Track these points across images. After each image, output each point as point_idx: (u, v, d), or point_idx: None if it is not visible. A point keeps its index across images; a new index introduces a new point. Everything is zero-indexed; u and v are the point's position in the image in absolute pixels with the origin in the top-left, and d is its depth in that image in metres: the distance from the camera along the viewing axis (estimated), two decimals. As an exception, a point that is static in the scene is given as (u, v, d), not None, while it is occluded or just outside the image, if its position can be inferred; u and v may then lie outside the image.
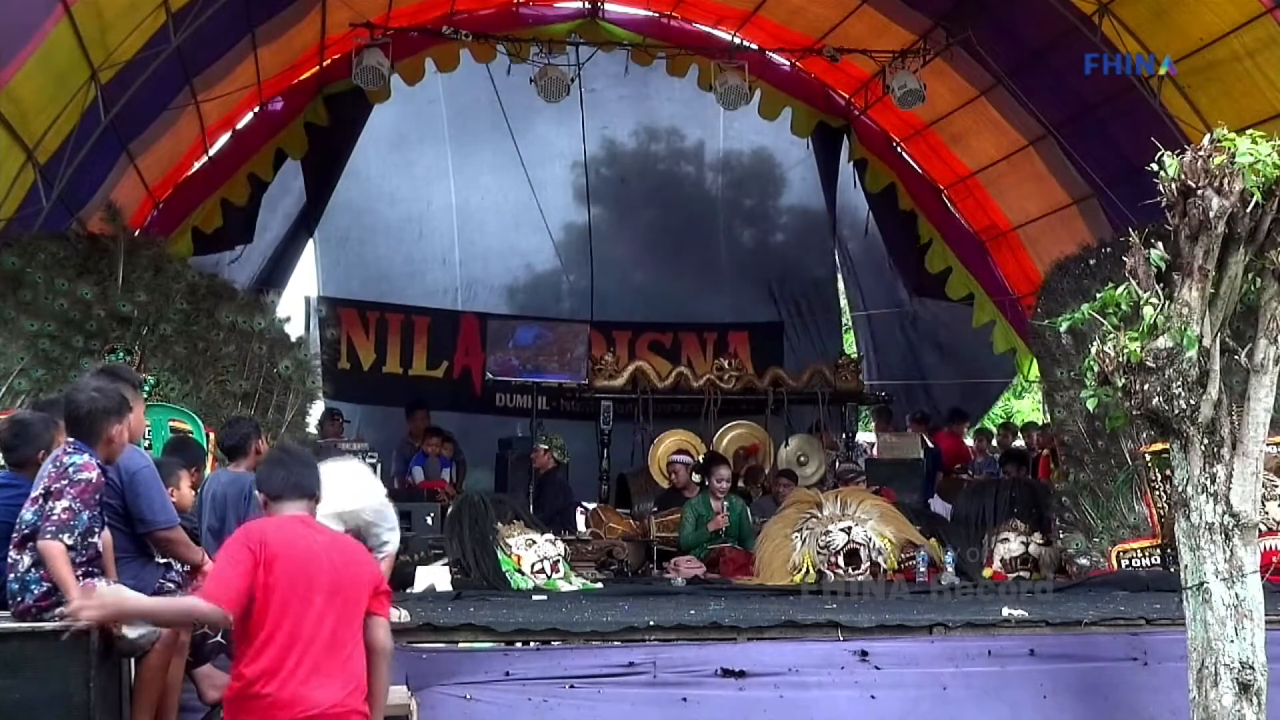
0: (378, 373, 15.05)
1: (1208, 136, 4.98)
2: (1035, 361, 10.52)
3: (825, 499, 8.95)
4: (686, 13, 13.91)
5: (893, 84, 12.56)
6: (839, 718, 5.66)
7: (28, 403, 7.85)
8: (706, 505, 9.44)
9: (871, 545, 8.32)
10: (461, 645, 5.97)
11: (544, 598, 7.54)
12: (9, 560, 4.83)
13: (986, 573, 8.48)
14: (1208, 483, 4.98)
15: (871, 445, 14.45)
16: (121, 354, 8.52)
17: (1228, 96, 10.00)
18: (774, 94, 14.07)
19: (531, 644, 5.98)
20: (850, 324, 18.60)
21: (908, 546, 8.61)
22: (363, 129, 13.71)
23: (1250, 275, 5.04)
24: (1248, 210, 4.85)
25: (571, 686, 5.60)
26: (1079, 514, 8.59)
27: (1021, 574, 8.45)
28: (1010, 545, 8.62)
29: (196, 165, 12.46)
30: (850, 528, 8.38)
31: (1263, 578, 5.12)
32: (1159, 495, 8.09)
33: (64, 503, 4.70)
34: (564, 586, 8.00)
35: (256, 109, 12.70)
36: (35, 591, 4.76)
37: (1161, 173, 4.95)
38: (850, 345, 17.38)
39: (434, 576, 7.88)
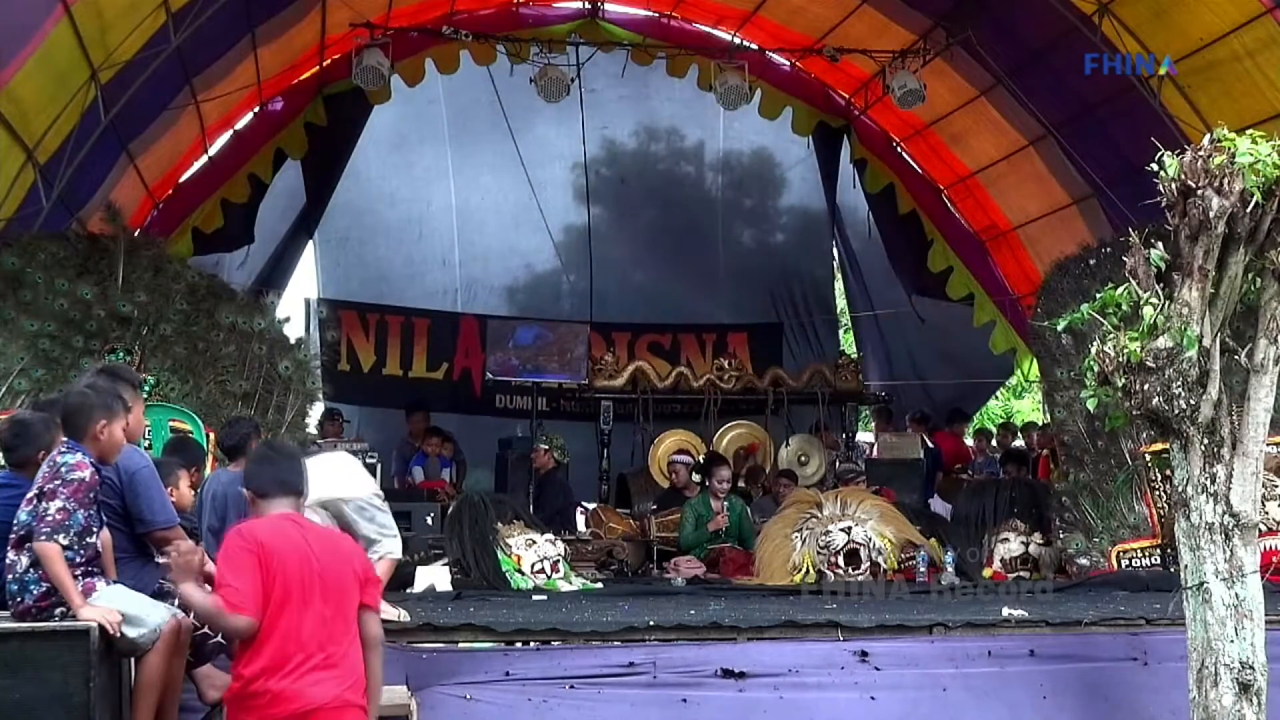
0: (378, 374, 15.05)
1: (1208, 136, 4.98)
2: (1035, 361, 10.52)
3: (825, 499, 8.96)
4: (686, 13, 13.91)
5: (893, 84, 12.55)
6: (839, 718, 5.66)
7: (28, 403, 7.85)
8: (706, 505, 9.44)
9: (871, 545, 8.32)
10: (461, 645, 5.97)
11: (544, 598, 7.54)
12: (7, 561, 4.84)
13: (986, 573, 8.48)
14: (1208, 483, 4.98)
15: (871, 445, 14.45)
16: (121, 354, 8.52)
17: (1228, 96, 9.99)
18: (774, 93, 14.06)
19: (531, 644, 5.98)
20: (850, 324, 18.61)
21: (908, 546, 8.61)
22: (363, 129, 13.70)
23: (1250, 275, 5.04)
24: (1248, 210, 4.85)
25: (571, 687, 5.60)
26: (1079, 514, 8.59)
27: (1021, 574, 8.46)
28: (1010, 545, 8.62)
29: (196, 165, 12.45)
30: (850, 528, 8.38)
31: (1263, 578, 5.12)
32: (1159, 495, 8.09)
33: (57, 503, 4.70)
34: (564, 586, 8.00)
35: (256, 109, 12.69)
36: (34, 592, 4.76)
37: (1161, 173, 4.95)
38: (850, 345, 17.38)
39: (434, 576, 7.88)
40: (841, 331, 19.15)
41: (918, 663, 5.82)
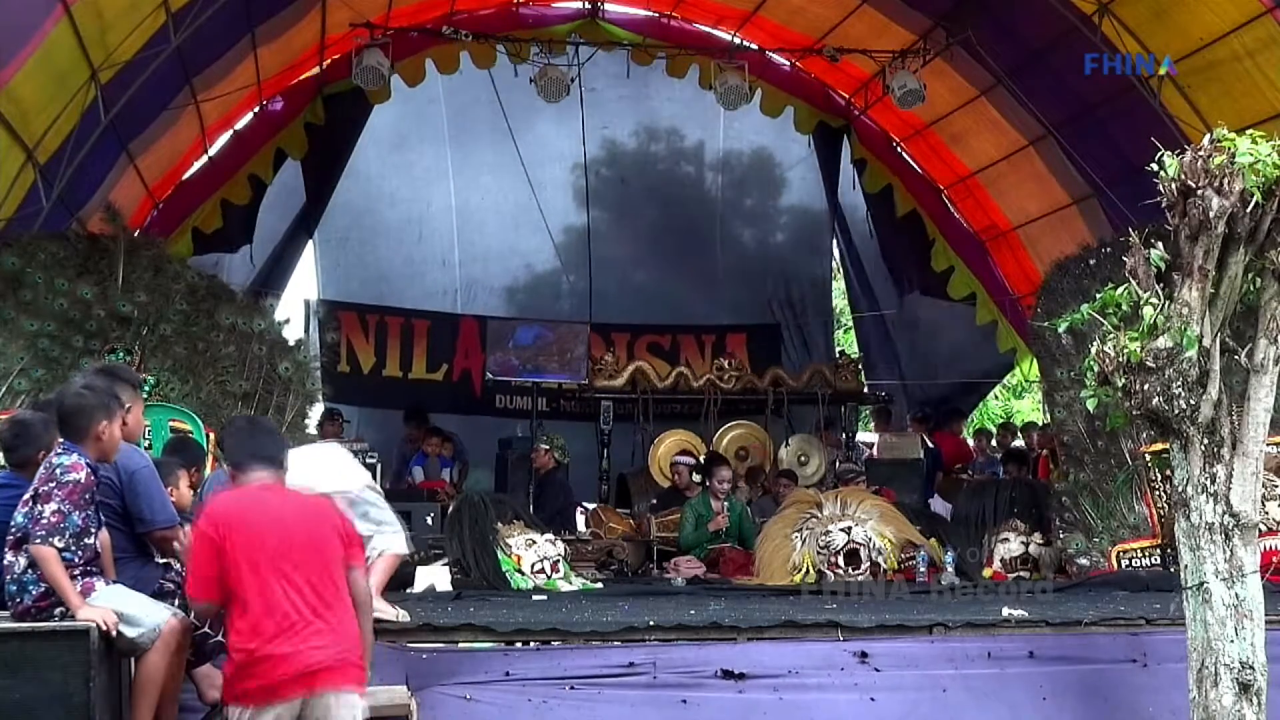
0: (378, 376, 15.04)
1: (1208, 136, 4.98)
2: (1035, 361, 10.52)
3: (825, 499, 8.95)
4: (686, 13, 13.91)
5: (893, 84, 12.55)
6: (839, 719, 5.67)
7: (28, 403, 7.85)
8: (706, 505, 9.44)
9: (871, 545, 8.32)
10: (461, 645, 5.97)
11: (544, 598, 7.54)
12: (5, 562, 4.84)
13: (986, 573, 8.48)
14: (1208, 483, 4.99)
15: (871, 445, 14.45)
16: (121, 354, 8.52)
17: (1228, 96, 9.99)
18: (775, 92, 14.08)
19: (531, 644, 5.98)
20: (850, 324, 18.59)
21: (908, 546, 8.61)
22: (363, 129, 13.71)
23: (1250, 275, 5.04)
24: (1248, 210, 4.85)
25: (571, 687, 5.60)
26: (1079, 514, 8.58)
27: (1021, 574, 8.45)
28: (1010, 545, 8.62)
29: (196, 165, 12.46)
30: (850, 528, 8.38)
31: (1263, 578, 5.12)
32: (1159, 495, 8.08)
33: (53, 505, 4.69)
34: (564, 586, 8.00)
35: (256, 109, 12.70)
36: (33, 592, 4.76)
37: (1161, 173, 4.95)
38: (850, 346, 17.37)
39: (434, 576, 7.88)
40: (841, 332, 19.16)
41: (917, 664, 5.82)
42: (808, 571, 8.33)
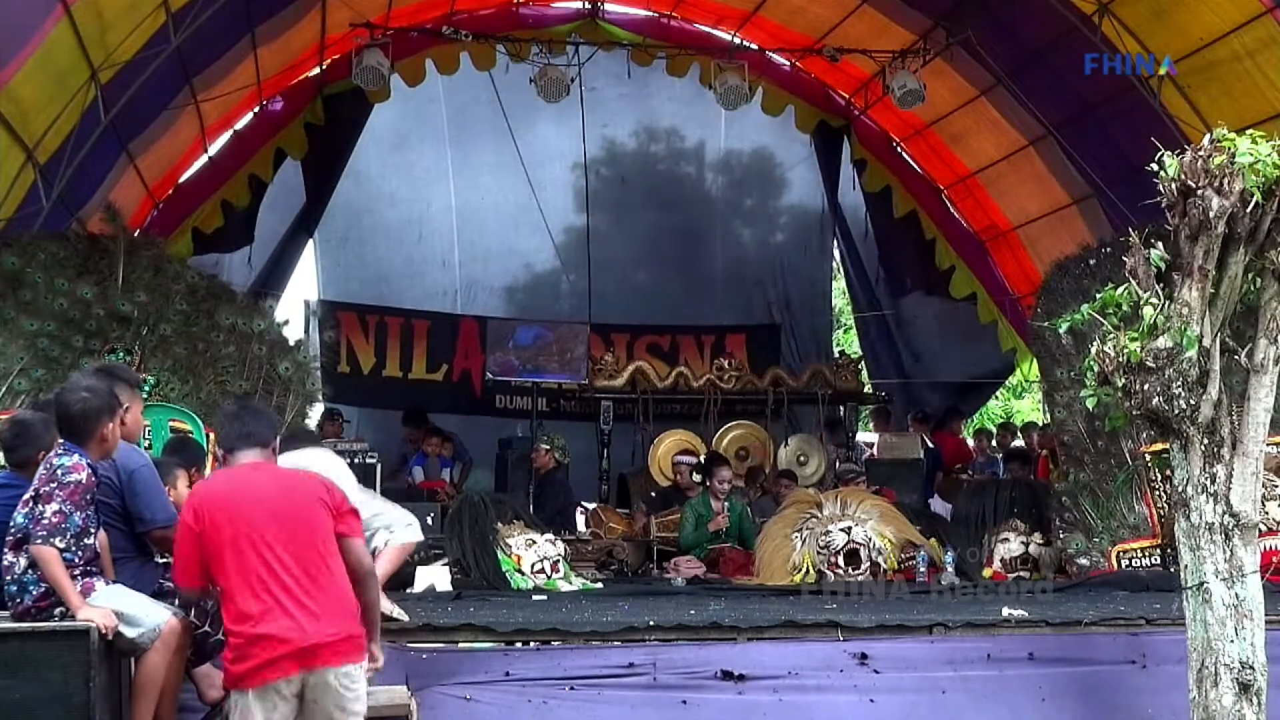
0: (378, 376, 15.03)
1: (1208, 136, 4.98)
2: (1035, 361, 10.52)
3: (825, 499, 8.95)
4: (686, 13, 13.91)
5: (893, 84, 12.55)
6: (838, 721, 5.68)
7: (28, 403, 7.85)
8: (707, 505, 9.44)
9: (871, 545, 8.32)
10: (461, 645, 5.97)
11: (544, 598, 7.54)
12: (5, 562, 4.84)
13: (986, 573, 8.48)
14: (1208, 483, 4.99)
15: (871, 445, 14.45)
16: (121, 354, 8.52)
17: (1228, 96, 9.99)
18: (776, 90, 14.08)
19: (531, 644, 5.98)
20: (850, 324, 18.58)
21: (908, 546, 8.61)
22: (363, 129, 13.71)
23: (1250, 275, 5.04)
24: (1248, 210, 4.85)
25: (571, 688, 5.60)
26: (1079, 514, 8.58)
27: (1021, 574, 8.45)
28: (1010, 545, 8.62)
29: (196, 165, 12.46)
30: (850, 528, 8.38)
31: (1263, 578, 5.13)
32: (1159, 495, 8.09)
33: (54, 505, 4.69)
34: (564, 586, 8.00)
35: (256, 109, 12.70)
36: (33, 592, 4.76)
37: (1161, 173, 4.95)
38: (849, 346, 17.36)
39: (434, 576, 7.88)
40: (841, 332, 19.15)
41: (917, 665, 5.82)
42: (808, 571, 8.33)
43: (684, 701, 5.62)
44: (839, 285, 17.85)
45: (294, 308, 14.55)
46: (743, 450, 12.90)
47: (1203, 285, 4.95)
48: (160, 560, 5.34)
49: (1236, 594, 4.95)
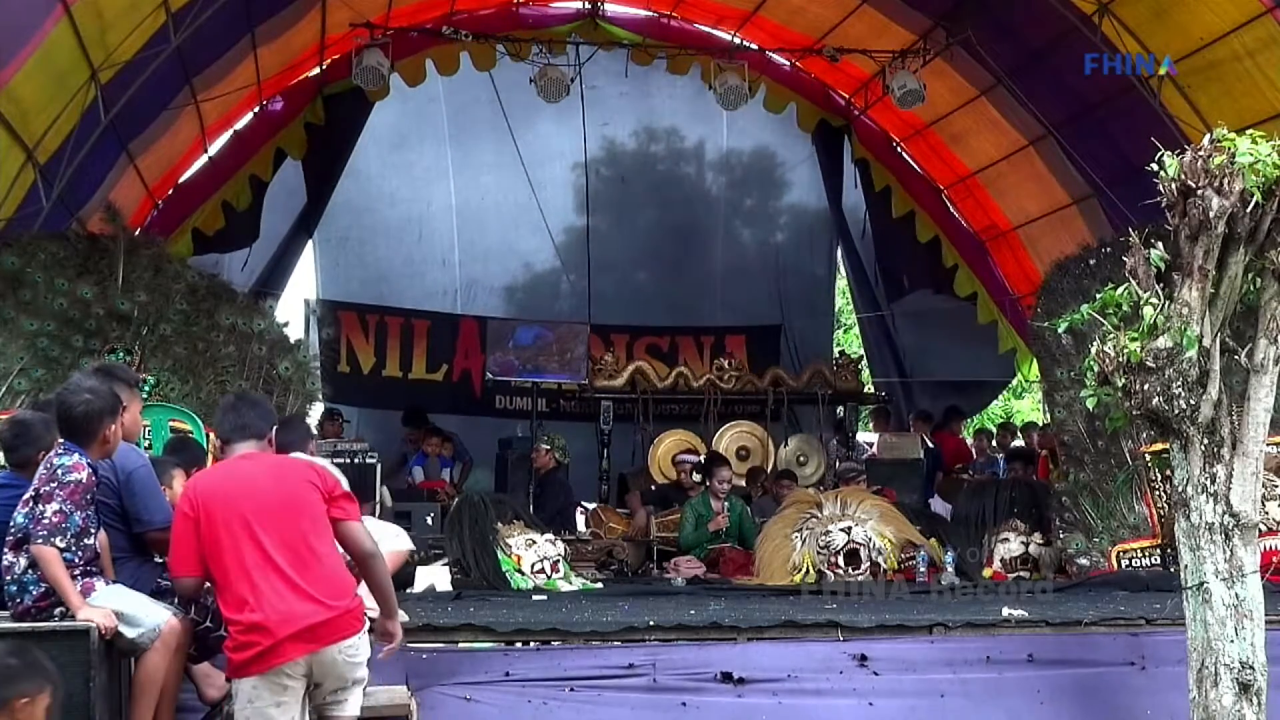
0: (377, 376, 15.05)
1: (1208, 136, 4.98)
2: (1035, 361, 10.52)
3: (825, 499, 8.95)
4: (686, 13, 13.91)
5: (893, 84, 12.55)
6: (837, 724, 5.68)
7: (28, 403, 7.85)
8: (707, 505, 9.44)
9: (871, 545, 8.32)
10: (461, 645, 5.97)
11: (544, 598, 7.54)
12: (5, 562, 4.84)
13: (986, 573, 8.48)
14: (1208, 483, 4.99)
15: (871, 445, 14.45)
16: (121, 354, 8.52)
17: (1228, 96, 9.99)
18: (778, 88, 14.09)
19: (531, 644, 5.98)
20: (849, 324, 18.57)
21: (908, 546, 8.60)
22: (363, 129, 13.71)
23: (1250, 275, 5.04)
24: (1248, 210, 4.85)
25: (571, 689, 5.60)
26: (1079, 514, 8.58)
27: (1021, 574, 8.45)
28: (1010, 545, 8.61)
29: (196, 165, 12.46)
30: (850, 528, 8.37)
31: (1263, 578, 5.13)
32: (1159, 495, 8.08)
33: (54, 505, 4.69)
34: (564, 586, 8.00)
35: (256, 109, 12.70)
36: (33, 592, 4.76)
37: (1161, 173, 4.95)
38: (851, 346, 17.34)
39: (434, 576, 7.88)
40: (841, 332, 19.14)
41: (916, 667, 5.82)
42: (808, 571, 8.33)
43: (683, 704, 5.62)
44: (839, 285, 17.85)
45: (294, 308, 14.60)
46: (743, 450, 12.91)
47: (1203, 285, 4.95)
48: (159, 560, 5.34)
49: (1236, 594, 4.95)
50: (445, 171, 15.35)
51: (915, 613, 6.40)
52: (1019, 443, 13.70)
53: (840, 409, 13.56)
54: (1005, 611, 6.32)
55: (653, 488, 11.49)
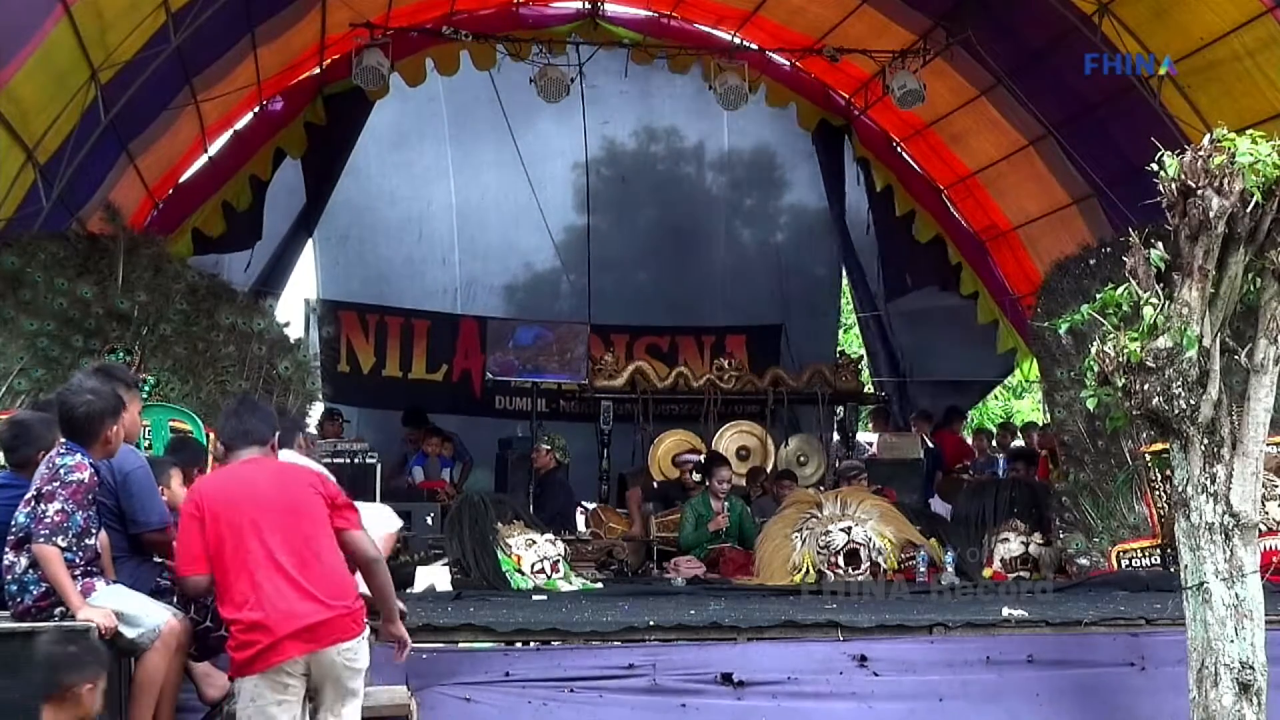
0: (377, 376, 15.05)
1: (1208, 136, 4.98)
2: (1035, 361, 10.52)
3: (825, 499, 8.95)
4: (686, 13, 13.92)
5: (893, 84, 12.55)
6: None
7: (28, 403, 7.85)
8: (707, 505, 9.44)
9: (871, 545, 8.31)
10: (461, 645, 5.97)
11: (544, 598, 7.54)
12: (6, 562, 4.84)
13: (986, 573, 8.48)
14: (1208, 483, 4.99)
15: (871, 445, 14.45)
16: (121, 354, 8.52)
17: (1228, 96, 9.99)
18: (778, 88, 14.10)
19: (531, 644, 5.98)
20: (850, 324, 18.55)
21: (908, 546, 8.60)
22: (363, 129, 13.71)
23: (1250, 275, 5.04)
24: (1248, 210, 4.85)
25: (571, 690, 5.60)
26: (1079, 514, 8.58)
27: (1021, 574, 8.45)
28: (1010, 545, 8.61)
29: (196, 165, 12.46)
30: (850, 528, 8.37)
31: (1263, 578, 5.13)
32: (1159, 495, 8.08)
33: (56, 505, 4.70)
34: (564, 586, 8.00)
35: (256, 109, 12.70)
36: (34, 592, 4.76)
37: (1161, 173, 4.95)
38: (851, 346, 17.32)
39: (434, 576, 7.88)
40: (841, 332, 19.13)
41: (915, 668, 5.81)
42: (808, 571, 8.33)
43: (683, 705, 5.62)
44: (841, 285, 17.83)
45: (294, 307, 14.60)
46: (743, 450, 12.91)
47: (1203, 285, 4.95)
48: (158, 560, 5.34)
49: (1236, 594, 4.95)
50: (445, 170, 15.36)
51: (915, 613, 6.40)
52: (1019, 443, 13.70)
53: (840, 409, 13.55)
54: (1005, 611, 6.31)
55: (654, 485, 11.49)
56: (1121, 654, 5.94)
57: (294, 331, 10.13)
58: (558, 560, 8.17)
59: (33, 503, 4.76)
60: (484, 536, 8.24)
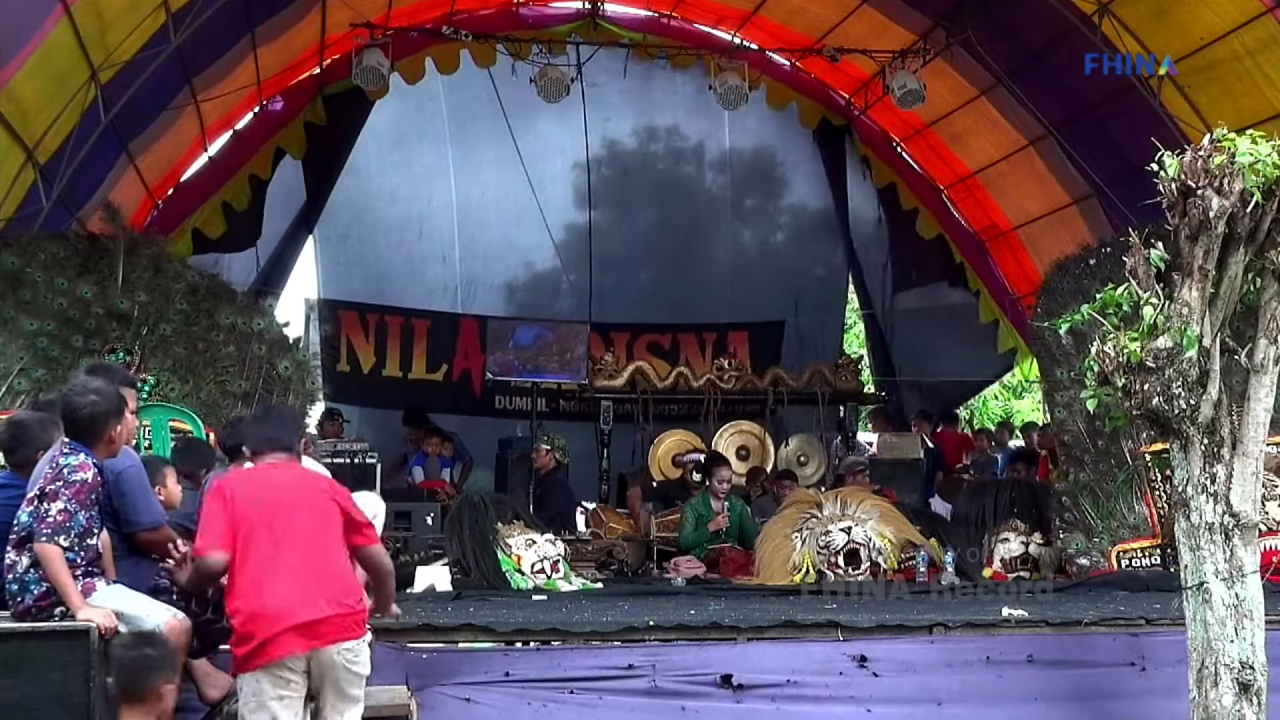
0: (378, 375, 15.05)
1: (1208, 136, 4.98)
2: (1035, 361, 10.52)
3: (825, 499, 8.95)
4: (686, 13, 13.91)
5: (893, 84, 12.55)
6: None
7: (27, 403, 7.85)
8: (706, 505, 9.44)
9: (871, 545, 8.31)
10: (461, 645, 5.97)
11: (544, 598, 7.54)
12: (7, 561, 4.84)
13: (986, 573, 8.48)
14: (1208, 483, 4.99)
15: (871, 445, 14.45)
16: (121, 354, 8.52)
17: (1228, 96, 9.99)
18: (778, 87, 14.10)
19: (531, 644, 5.98)
20: (851, 323, 18.54)
21: (908, 546, 8.60)
22: (363, 128, 13.71)
23: (1250, 275, 5.04)
24: (1248, 210, 4.85)
25: (571, 692, 5.60)
26: (1079, 514, 8.58)
27: (1021, 574, 8.45)
28: (1010, 545, 8.61)
29: (196, 165, 12.46)
30: (850, 528, 8.37)
31: (1263, 578, 5.12)
32: (1159, 495, 8.08)
33: (59, 504, 4.71)
34: (564, 586, 8.00)
35: (256, 109, 12.70)
36: (34, 592, 4.76)
37: (1161, 173, 4.95)
38: (851, 345, 17.31)
39: (434, 576, 7.88)
40: (843, 330, 19.12)
41: (915, 669, 5.81)
42: (808, 571, 8.33)
43: (683, 708, 5.62)
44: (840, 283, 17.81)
45: (294, 306, 14.61)
46: (743, 450, 12.91)
47: (1203, 285, 4.95)
48: (155, 558, 5.34)
49: (1236, 594, 4.94)
50: (445, 169, 15.35)
51: (915, 613, 6.39)
52: (1019, 442, 13.70)
53: (840, 409, 13.55)
54: (1005, 611, 6.31)
55: (654, 485, 11.48)
56: (1121, 654, 5.94)
57: (294, 331, 10.13)
58: (558, 560, 8.17)
59: (35, 502, 4.76)
60: (484, 536, 8.24)
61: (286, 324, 9.72)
